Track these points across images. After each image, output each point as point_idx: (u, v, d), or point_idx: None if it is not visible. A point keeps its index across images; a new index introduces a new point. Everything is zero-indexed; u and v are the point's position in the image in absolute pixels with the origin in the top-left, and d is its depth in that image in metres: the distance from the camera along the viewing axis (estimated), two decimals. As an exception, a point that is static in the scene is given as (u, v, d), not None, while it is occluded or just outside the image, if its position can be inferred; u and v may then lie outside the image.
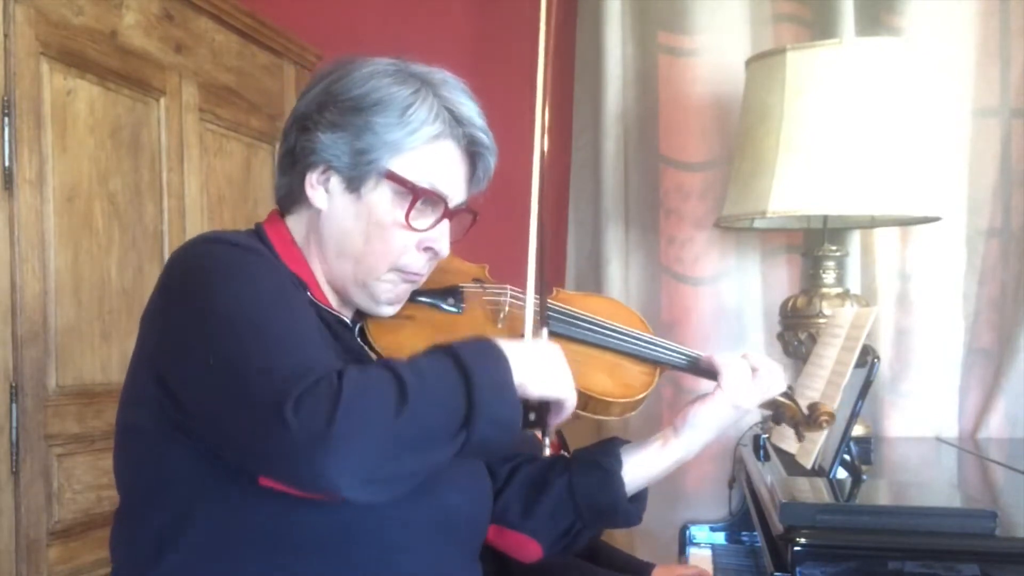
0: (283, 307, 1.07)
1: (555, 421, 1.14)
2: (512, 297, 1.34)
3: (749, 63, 2.26)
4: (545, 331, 1.20)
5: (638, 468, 1.34)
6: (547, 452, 1.16)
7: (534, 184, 1.22)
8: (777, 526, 1.28)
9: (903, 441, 2.35)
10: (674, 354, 1.37)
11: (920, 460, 2.13)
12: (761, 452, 1.92)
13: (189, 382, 1.05)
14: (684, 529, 2.40)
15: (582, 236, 2.74)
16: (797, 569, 1.19)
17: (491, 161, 1.27)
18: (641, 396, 1.32)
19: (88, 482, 1.94)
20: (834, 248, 2.28)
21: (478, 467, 1.29)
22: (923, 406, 2.43)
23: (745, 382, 1.32)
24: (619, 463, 1.33)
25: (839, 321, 1.71)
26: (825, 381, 1.60)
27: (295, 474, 0.96)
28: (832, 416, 1.37)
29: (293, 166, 1.22)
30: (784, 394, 1.38)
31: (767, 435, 1.87)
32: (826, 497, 1.37)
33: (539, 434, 1.16)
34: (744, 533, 2.33)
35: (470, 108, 1.23)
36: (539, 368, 1.09)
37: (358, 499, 0.96)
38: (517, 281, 1.33)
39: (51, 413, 1.85)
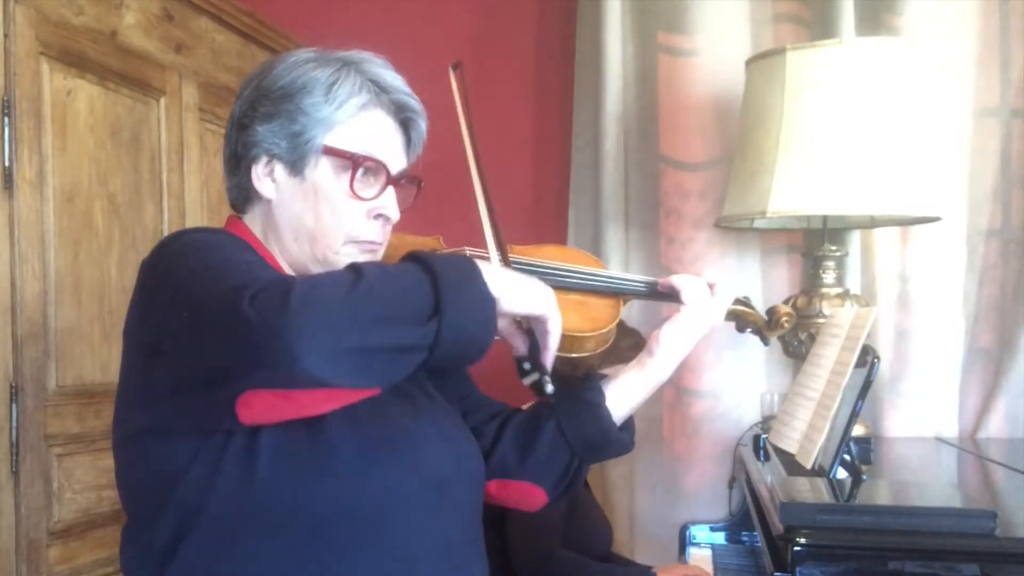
0: (242, 251, 1.13)
1: (549, 355, 1.19)
2: (472, 255, 1.39)
3: (749, 63, 2.26)
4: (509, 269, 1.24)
5: (621, 396, 1.39)
6: (549, 389, 1.18)
7: (470, 159, 1.31)
8: (777, 526, 1.28)
9: (903, 441, 2.35)
10: (632, 283, 1.47)
11: (920, 460, 2.13)
12: (761, 452, 1.92)
13: (169, 337, 1.06)
14: (684, 529, 2.41)
15: (582, 236, 2.74)
16: (797, 569, 1.19)
17: (422, 125, 1.31)
18: (611, 327, 1.41)
19: (88, 482, 1.94)
20: (834, 248, 2.28)
21: (464, 434, 1.32)
22: (923, 406, 2.43)
23: (705, 297, 1.41)
24: (602, 395, 1.39)
25: (839, 321, 1.71)
26: (825, 381, 1.60)
27: (267, 362, 0.96)
28: (791, 316, 1.53)
29: (238, 165, 1.26)
30: (740, 302, 1.52)
31: (767, 435, 1.87)
32: (826, 497, 1.37)
33: (538, 385, 1.20)
34: (744, 533, 2.33)
35: (393, 77, 1.26)
36: (515, 283, 1.13)
37: (332, 377, 0.96)
38: (473, 244, 1.40)
39: (51, 413, 1.85)
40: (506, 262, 1.30)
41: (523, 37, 2.89)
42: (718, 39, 2.55)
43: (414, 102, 1.28)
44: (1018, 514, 1.38)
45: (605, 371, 2.08)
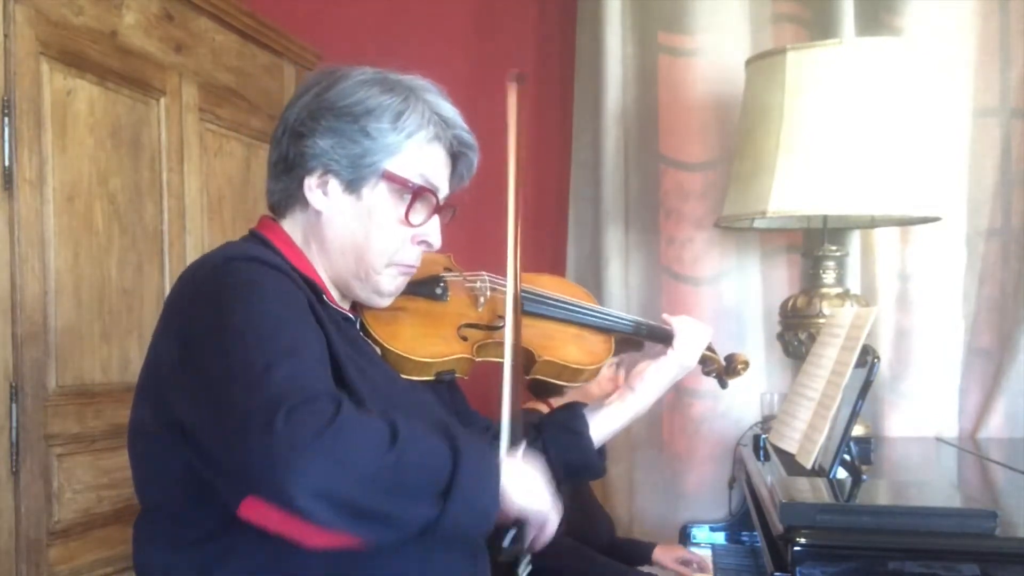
0: (295, 321, 1.10)
1: (538, 541, 1.19)
2: (490, 282, 1.46)
3: (749, 63, 2.26)
4: (522, 446, 1.23)
5: (601, 425, 1.49)
6: (524, 574, 1.22)
7: (510, 191, 1.30)
8: (777, 526, 1.28)
9: (903, 441, 2.36)
10: (623, 322, 1.55)
11: (920, 460, 2.13)
12: (761, 452, 1.92)
13: (193, 395, 1.06)
14: (684, 529, 2.41)
15: (582, 236, 2.74)
16: (797, 569, 1.19)
17: (474, 159, 1.34)
18: (604, 362, 1.51)
19: (88, 482, 1.94)
20: (834, 248, 2.28)
21: None
22: (923, 406, 2.43)
23: (695, 345, 1.52)
24: (586, 424, 1.47)
25: (839, 321, 1.71)
26: (825, 381, 1.60)
27: (270, 482, 0.96)
28: (747, 364, 1.63)
29: (288, 172, 1.26)
30: (707, 348, 1.59)
31: (767, 435, 1.88)
32: (826, 497, 1.37)
33: (514, 565, 1.22)
34: (744, 533, 2.34)
35: (451, 111, 1.29)
36: (524, 482, 1.15)
37: (320, 518, 0.96)
38: (487, 266, 1.45)
39: (51, 413, 1.85)
40: (516, 295, 1.32)
41: (523, 37, 2.89)
42: (718, 39, 2.55)
43: (471, 139, 1.31)
44: (1018, 514, 1.38)
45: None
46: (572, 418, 1.48)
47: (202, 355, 1.06)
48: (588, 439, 1.46)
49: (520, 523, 1.16)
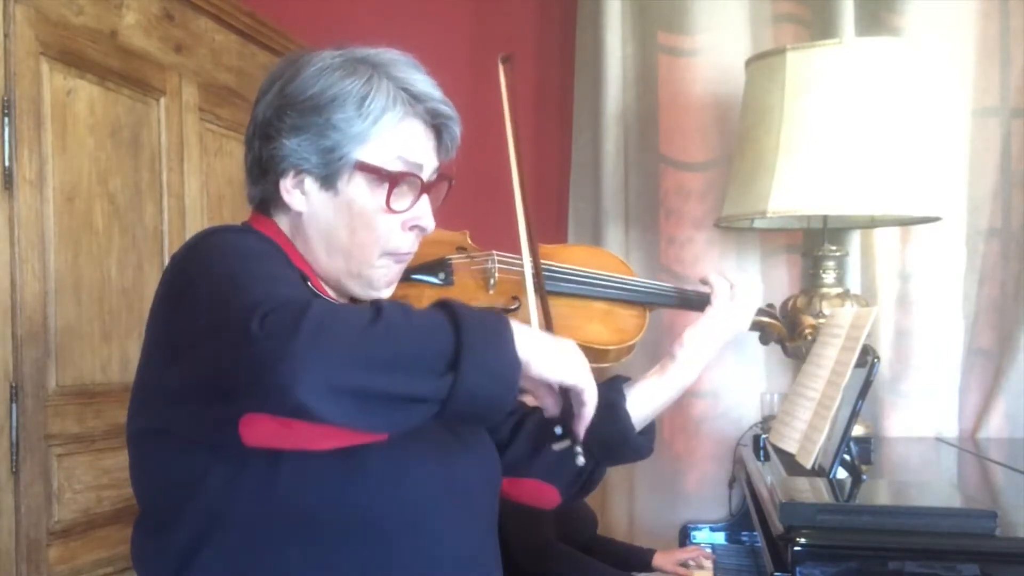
0: (268, 260, 1.09)
1: (582, 424, 1.10)
2: (499, 262, 1.37)
3: (749, 63, 2.26)
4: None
5: (642, 399, 1.38)
6: (580, 461, 1.11)
7: (514, 178, 1.28)
8: (777, 526, 1.28)
9: (903, 441, 2.35)
10: (661, 293, 1.44)
11: (920, 460, 2.13)
12: (761, 452, 1.92)
13: (186, 344, 1.03)
14: (684, 529, 2.41)
15: (582, 236, 2.74)
16: (797, 569, 1.19)
17: (456, 129, 1.26)
18: (635, 339, 1.39)
19: (88, 482, 1.94)
20: (834, 248, 2.28)
21: (482, 436, 1.29)
22: (923, 406, 2.43)
23: (741, 305, 1.41)
24: (622, 396, 1.37)
25: (839, 321, 1.71)
26: (825, 381, 1.60)
27: (261, 386, 0.90)
28: (814, 328, 1.48)
29: (264, 175, 1.21)
30: (764, 312, 1.47)
31: (767, 435, 1.88)
32: (826, 497, 1.38)
33: (569, 455, 1.12)
34: (744, 533, 2.34)
35: (424, 82, 1.21)
36: (551, 350, 1.04)
37: (329, 414, 0.90)
38: (500, 244, 1.37)
39: (51, 413, 1.85)
40: (538, 269, 1.25)
41: (523, 37, 2.89)
42: (718, 39, 2.55)
43: (447, 108, 1.24)
44: (1018, 514, 1.38)
45: None
46: (608, 391, 1.36)
47: (191, 296, 1.04)
48: (624, 412, 1.35)
49: (564, 413, 1.07)
